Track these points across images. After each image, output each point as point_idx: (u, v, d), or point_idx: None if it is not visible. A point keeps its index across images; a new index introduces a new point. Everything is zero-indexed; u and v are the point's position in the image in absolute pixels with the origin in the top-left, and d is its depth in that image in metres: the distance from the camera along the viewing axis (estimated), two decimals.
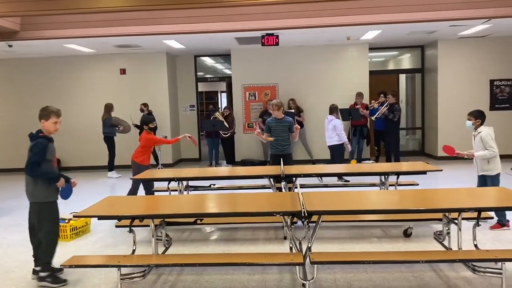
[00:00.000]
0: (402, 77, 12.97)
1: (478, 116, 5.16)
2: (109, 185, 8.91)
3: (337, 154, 8.05)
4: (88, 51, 10.23)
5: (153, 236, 4.04)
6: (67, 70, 11.02)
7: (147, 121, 6.39)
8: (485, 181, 5.15)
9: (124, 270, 3.61)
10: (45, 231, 4.04)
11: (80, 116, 11.01)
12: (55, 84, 11.06)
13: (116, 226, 4.73)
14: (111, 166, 9.83)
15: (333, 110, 8.25)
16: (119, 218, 4.28)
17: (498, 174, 5.08)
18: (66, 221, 5.37)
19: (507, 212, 5.13)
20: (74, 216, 4.00)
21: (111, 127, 9.61)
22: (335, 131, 8.03)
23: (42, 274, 4.03)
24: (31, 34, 8.05)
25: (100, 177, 9.88)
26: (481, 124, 5.16)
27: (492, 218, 4.66)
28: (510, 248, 4.44)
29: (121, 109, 10.17)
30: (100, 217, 3.74)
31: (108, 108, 9.84)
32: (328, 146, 8.22)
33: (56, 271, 4.11)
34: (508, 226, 5.14)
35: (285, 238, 5.07)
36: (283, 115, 6.10)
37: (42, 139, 4.04)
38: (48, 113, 4.10)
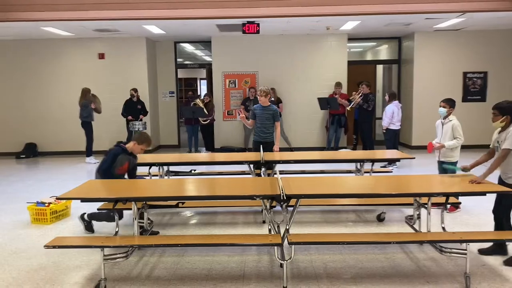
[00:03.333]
0: (380, 68, 13.23)
1: (452, 105, 5.38)
2: (87, 170, 8.88)
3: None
4: (66, 35, 10.08)
5: (135, 218, 4.12)
6: (44, 53, 10.82)
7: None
8: (444, 167, 5.40)
9: (107, 252, 3.69)
10: None
11: (58, 101, 10.88)
12: (32, 67, 10.86)
13: (98, 210, 4.79)
14: (89, 152, 9.78)
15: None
16: (103, 200, 4.34)
17: (456, 162, 5.34)
18: (46, 204, 5.39)
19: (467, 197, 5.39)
20: (57, 198, 4.04)
21: (86, 109, 9.54)
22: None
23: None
24: (6, 15, 7.88)
25: (78, 162, 9.83)
26: (451, 112, 5.38)
27: (460, 203, 4.92)
28: (475, 230, 4.71)
29: (99, 94, 10.07)
30: (83, 200, 3.80)
31: (85, 92, 9.75)
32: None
33: None
34: (460, 208, 5.46)
35: (263, 222, 5.23)
36: (269, 103, 6.19)
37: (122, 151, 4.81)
38: (144, 141, 4.88)
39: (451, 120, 5.33)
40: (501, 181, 4.06)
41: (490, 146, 4.24)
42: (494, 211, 4.17)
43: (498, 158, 3.92)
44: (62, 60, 10.89)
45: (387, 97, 8.48)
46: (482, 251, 4.13)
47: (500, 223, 4.10)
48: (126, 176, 4.88)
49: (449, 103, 5.38)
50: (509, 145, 3.85)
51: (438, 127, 5.52)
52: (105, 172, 4.65)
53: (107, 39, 10.75)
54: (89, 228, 4.99)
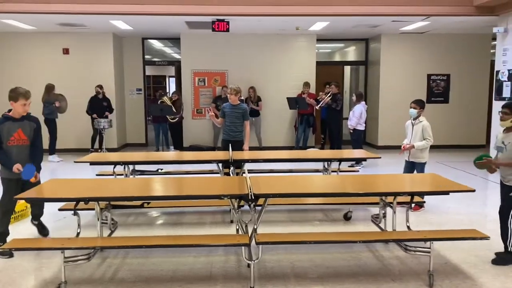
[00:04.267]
0: (347, 69, 13.42)
1: (422, 106, 5.49)
2: (50, 169, 8.57)
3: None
4: (29, 28, 9.70)
5: (98, 219, 4.00)
6: (5, 47, 10.38)
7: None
8: (413, 167, 5.51)
9: (68, 254, 3.56)
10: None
11: None
12: None
13: (59, 210, 4.61)
14: (52, 150, 9.44)
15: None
16: (64, 200, 4.18)
17: (425, 163, 5.47)
18: None
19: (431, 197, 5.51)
20: (15, 198, 3.86)
21: (48, 107, 9.22)
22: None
23: None
24: None
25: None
26: (421, 113, 5.49)
27: (424, 202, 5.03)
28: (438, 229, 4.82)
29: (63, 90, 9.74)
30: (43, 200, 3.64)
31: (49, 89, 9.43)
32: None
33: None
34: (424, 207, 5.59)
35: (231, 222, 5.18)
36: (239, 102, 6.15)
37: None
38: (16, 95, 4.18)
39: (421, 121, 5.44)
40: (501, 183, 4.02)
41: (494, 147, 4.16)
42: (499, 215, 4.07)
43: None
44: (24, 55, 10.47)
45: (354, 98, 8.60)
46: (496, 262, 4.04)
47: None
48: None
49: (420, 104, 5.49)
50: None
51: (408, 128, 5.61)
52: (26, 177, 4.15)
53: (72, 34, 10.42)
54: (42, 230, 4.74)
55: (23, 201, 5.22)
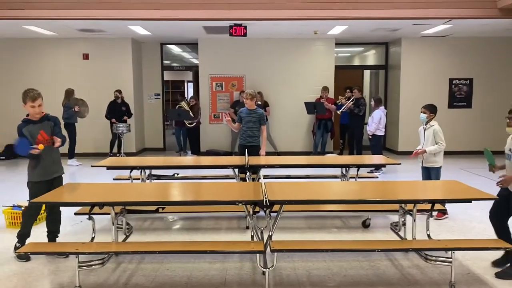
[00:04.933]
0: (367, 73, 13.26)
1: (432, 110, 5.39)
2: (69, 173, 8.67)
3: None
4: (50, 34, 9.87)
5: (113, 224, 3.98)
6: (27, 52, 10.59)
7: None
8: (428, 172, 5.38)
9: (82, 258, 3.55)
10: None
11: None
12: (13, 67, 10.61)
13: (75, 214, 4.63)
14: (71, 154, 9.56)
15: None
16: (79, 204, 4.19)
17: (440, 167, 5.33)
18: (23, 208, 5.20)
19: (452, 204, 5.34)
20: (32, 202, 3.88)
21: (68, 111, 9.34)
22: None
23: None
24: None
25: None
26: (433, 118, 5.38)
27: (445, 209, 4.88)
28: (460, 238, 4.67)
29: (83, 95, 9.87)
30: (59, 204, 3.65)
31: (69, 93, 9.56)
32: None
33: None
34: (447, 215, 5.42)
35: (247, 228, 5.12)
36: (256, 106, 6.11)
37: (20, 123, 4.32)
38: (24, 98, 4.32)
39: (432, 126, 5.34)
40: (506, 190, 3.86)
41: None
42: (491, 218, 3.99)
43: None
44: (45, 60, 10.67)
45: (373, 103, 8.46)
46: (496, 263, 3.97)
47: (500, 234, 3.92)
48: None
49: (429, 109, 5.39)
50: None
51: (421, 133, 5.52)
52: (27, 155, 4.15)
53: (92, 40, 10.57)
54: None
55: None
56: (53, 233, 4.52)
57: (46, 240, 4.51)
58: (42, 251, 3.53)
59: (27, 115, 4.35)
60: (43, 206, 4.70)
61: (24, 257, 4.15)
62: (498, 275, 3.83)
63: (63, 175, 4.50)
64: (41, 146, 4.12)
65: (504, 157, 3.90)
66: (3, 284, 3.73)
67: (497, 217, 3.94)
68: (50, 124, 4.36)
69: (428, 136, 5.34)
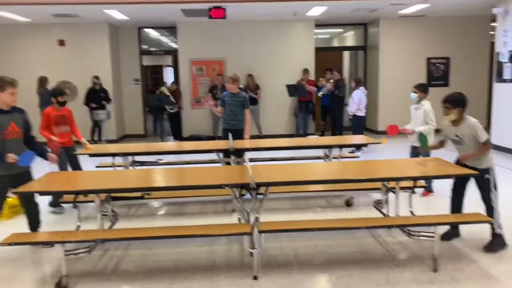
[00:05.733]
0: (346, 54, 13.30)
1: (423, 90, 5.41)
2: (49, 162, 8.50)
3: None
4: (23, 20, 9.56)
5: (98, 212, 3.95)
6: (0, 40, 10.25)
7: (56, 93, 5.27)
8: (417, 152, 5.45)
9: (68, 247, 3.52)
10: None
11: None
12: None
13: (60, 203, 4.58)
14: None
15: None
16: (63, 193, 4.14)
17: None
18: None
19: (437, 181, 5.48)
20: (13, 193, 3.81)
21: (44, 97, 9.06)
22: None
23: None
24: None
25: None
26: (425, 97, 5.40)
27: (426, 186, 4.99)
28: (442, 214, 4.79)
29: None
30: (42, 193, 3.60)
31: (42, 81, 9.30)
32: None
33: None
34: (433, 192, 5.53)
35: (233, 211, 5.15)
36: (238, 90, 6.08)
37: None
38: (2, 84, 3.89)
39: (423, 106, 5.36)
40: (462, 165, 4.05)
41: (443, 138, 4.23)
42: (452, 196, 4.20)
43: (483, 148, 3.89)
44: (19, 47, 10.36)
45: (353, 84, 8.51)
46: (443, 237, 4.16)
47: (457, 207, 4.17)
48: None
49: (420, 89, 5.41)
50: (485, 134, 3.86)
51: (412, 112, 5.55)
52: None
53: (67, 25, 10.29)
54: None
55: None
56: (34, 223, 4.38)
57: (20, 230, 4.45)
58: (27, 241, 3.48)
59: None
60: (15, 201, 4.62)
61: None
62: (486, 248, 3.93)
63: (31, 170, 4.19)
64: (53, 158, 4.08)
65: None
66: None
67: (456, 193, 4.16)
68: (22, 117, 4.09)
69: (418, 116, 5.36)
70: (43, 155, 4.16)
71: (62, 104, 5.33)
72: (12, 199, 5.13)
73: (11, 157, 3.82)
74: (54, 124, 5.24)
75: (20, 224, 4.89)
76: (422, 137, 4.30)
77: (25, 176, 4.07)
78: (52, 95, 5.32)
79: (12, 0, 7.53)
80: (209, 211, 5.30)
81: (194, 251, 4.07)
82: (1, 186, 3.96)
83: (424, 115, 5.29)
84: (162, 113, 10.40)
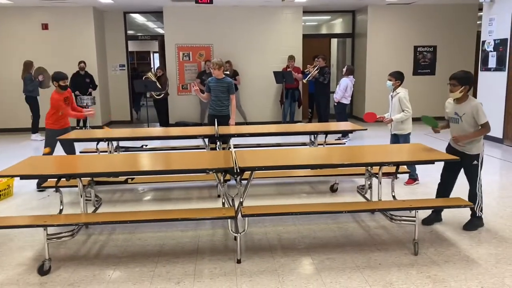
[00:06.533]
0: (334, 42, 13.29)
1: (398, 77, 5.39)
2: (32, 148, 8.42)
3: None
4: (5, 3, 9.35)
5: (81, 196, 3.92)
6: None
7: (58, 77, 5.47)
8: (397, 139, 5.50)
9: (51, 231, 3.50)
10: None
11: None
12: None
13: (41, 187, 4.53)
14: (34, 128, 9.26)
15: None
16: (44, 177, 4.10)
17: (409, 134, 5.45)
18: None
19: (418, 168, 5.56)
20: None
21: (32, 83, 8.98)
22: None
23: None
24: None
25: (23, 140, 9.31)
26: (400, 85, 5.41)
27: (409, 172, 5.05)
28: (423, 198, 4.86)
29: (43, 66, 9.49)
30: (23, 177, 3.55)
31: (27, 66, 9.17)
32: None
33: None
34: (418, 180, 5.60)
35: (218, 196, 5.16)
36: (224, 76, 6.04)
37: None
38: None
39: (398, 93, 5.36)
40: (452, 150, 4.14)
41: (446, 117, 4.28)
42: (441, 182, 4.28)
43: (481, 131, 3.94)
44: (1, 31, 10.14)
45: (344, 70, 8.51)
46: (424, 222, 4.25)
47: (444, 193, 4.26)
48: None
49: (395, 76, 5.39)
50: (485, 117, 3.91)
51: (389, 101, 5.57)
52: None
53: (51, 9, 10.09)
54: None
55: (5, 179, 5.14)
56: None
57: (10, 214, 4.42)
58: (9, 225, 3.44)
59: None
60: None
61: None
62: (465, 227, 4.10)
63: None
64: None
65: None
66: None
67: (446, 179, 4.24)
68: None
69: (394, 103, 5.37)
70: None
71: (64, 88, 5.54)
72: None
73: None
74: (62, 108, 5.50)
75: (3, 210, 4.86)
76: (425, 119, 4.26)
77: None
78: (53, 79, 5.51)
79: None
80: (194, 197, 5.30)
81: (178, 236, 4.08)
82: None
83: (400, 102, 5.31)
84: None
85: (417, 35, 11.01)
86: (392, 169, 4.18)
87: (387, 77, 5.43)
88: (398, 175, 4.25)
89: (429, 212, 4.31)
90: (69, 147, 5.53)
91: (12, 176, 3.87)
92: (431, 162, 3.86)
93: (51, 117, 5.55)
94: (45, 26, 10.25)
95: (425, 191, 5.29)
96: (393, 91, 5.43)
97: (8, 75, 10.08)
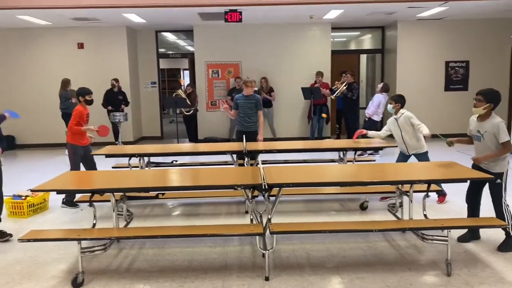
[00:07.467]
0: (363, 57, 13.23)
1: (398, 100, 5.39)
2: (67, 163, 8.67)
3: None
4: (44, 24, 9.80)
5: (114, 210, 4.02)
6: (21, 43, 10.51)
7: (84, 92, 5.52)
8: (406, 159, 5.40)
9: (84, 244, 3.60)
10: None
11: (36, 92, 10.61)
12: (9, 58, 10.54)
13: (76, 202, 4.67)
14: None
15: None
16: (79, 192, 4.23)
17: (427, 152, 5.33)
18: (23, 197, 5.25)
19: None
20: (31, 191, 3.91)
21: (66, 101, 9.32)
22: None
23: None
24: None
25: (58, 155, 9.62)
26: (401, 107, 5.37)
27: (440, 190, 4.93)
28: (455, 217, 4.73)
29: (79, 84, 9.64)
30: (59, 191, 3.69)
31: (65, 84, 9.52)
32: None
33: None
34: (446, 194, 5.47)
35: (246, 212, 5.17)
36: (252, 92, 6.13)
37: None
38: None
39: (403, 113, 5.32)
40: (477, 167, 4.06)
41: (468, 134, 4.22)
42: (467, 200, 4.19)
43: (501, 151, 3.86)
44: (40, 50, 10.60)
45: (380, 86, 8.45)
46: (460, 239, 4.15)
47: (474, 211, 4.16)
48: None
49: (395, 99, 5.42)
50: (506, 136, 3.83)
51: (393, 124, 5.43)
52: None
53: (86, 28, 10.50)
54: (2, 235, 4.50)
55: (42, 193, 5.32)
56: None
57: (46, 227, 4.56)
58: (45, 238, 3.56)
59: None
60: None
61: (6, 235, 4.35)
62: (500, 248, 3.96)
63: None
64: None
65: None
66: (7, 271, 3.78)
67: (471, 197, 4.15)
68: None
69: (402, 124, 5.29)
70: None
71: (90, 103, 5.65)
72: (31, 198, 5.27)
73: None
74: (83, 122, 5.57)
75: (40, 223, 5.02)
76: (441, 137, 4.29)
77: None
78: (79, 94, 5.60)
79: (34, 4, 7.71)
80: (222, 212, 5.34)
81: (207, 251, 4.11)
82: None
83: (410, 121, 5.21)
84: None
85: (448, 50, 10.83)
86: (423, 186, 4.10)
87: (388, 101, 5.46)
88: (429, 193, 4.16)
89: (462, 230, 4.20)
90: (90, 164, 5.62)
91: (49, 191, 4.01)
92: (464, 180, 3.77)
93: (76, 134, 5.51)
94: (80, 45, 10.66)
95: (457, 209, 5.15)
96: (395, 114, 5.38)
97: (45, 91, 10.49)
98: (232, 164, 5.77)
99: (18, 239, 3.48)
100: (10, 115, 5.02)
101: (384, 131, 5.58)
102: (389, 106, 5.44)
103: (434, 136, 4.94)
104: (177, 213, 5.40)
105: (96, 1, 7.72)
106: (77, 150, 5.51)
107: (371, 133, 5.72)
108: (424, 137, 5.13)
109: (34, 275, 3.70)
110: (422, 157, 5.31)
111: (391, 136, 5.57)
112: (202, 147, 6.63)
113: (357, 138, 5.70)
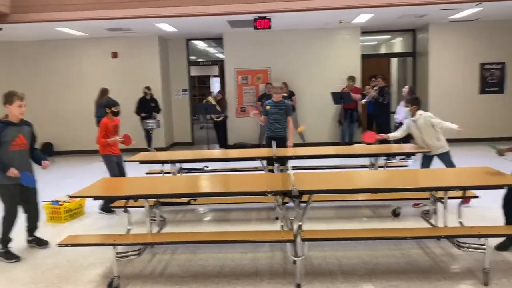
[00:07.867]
0: (394, 61, 13.03)
1: (414, 103, 5.34)
2: (102, 169, 8.92)
3: None
4: (80, 35, 10.16)
5: (147, 216, 4.12)
6: (59, 53, 10.93)
7: (111, 104, 5.68)
8: (430, 162, 5.32)
9: (119, 249, 3.70)
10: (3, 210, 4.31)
11: (72, 100, 10.98)
12: (46, 68, 10.98)
13: (111, 207, 4.80)
14: None
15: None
16: (115, 198, 4.35)
17: (449, 151, 5.24)
18: (60, 203, 5.44)
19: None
20: (70, 197, 4.06)
21: (101, 108, 9.58)
22: None
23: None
24: (21, 17, 7.98)
25: (94, 161, 9.91)
26: (417, 109, 5.32)
27: (477, 197, 4.80)
28: (492, 224, 4.58)
29: (113, 92, 10.05)
30: (96, 198, 3.81)
31: (103, 92, 9.79)
32: None
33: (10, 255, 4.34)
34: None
35: (276, 218, 5.18)
36: (282, 99, 6.17)
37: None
38: (11, 98, 4.26)
39: (421, 115, 5.28)
40: None
41: None
42: (504, 207, 4.06)
43: None
44: (76, 60, 10.99)
45: (405, 90, 8.31)
46: (497, 248, 4.02)
47: (511, 218, 4.03)
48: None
49: (410, 102, 5.39)
50: None
51: (412, 126, 5.39)
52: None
53: (120, 38, 10.81)
54: (40, 242, 4.63)
55: (78, 199, 5.49)
56: (32, 230, 4.62)
57: (82, 232, 4.71)
58: (82, 243, 3.69)
59: (6, 116, 4.30)
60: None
61: (13, 257, 4.30)
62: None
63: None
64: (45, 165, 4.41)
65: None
66: (46, 275, 3.92)
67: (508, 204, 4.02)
68: (29, 130, 4.43)
69: (422, 125, 5.24)
70: (40, 162, 4.50)
71: (116, 114, 5.69)
72: (68, 203, 5.45)
73: (12, 172, 4.12)
74: (110, 133, 5.63)
75: (76, 227, 5.19)
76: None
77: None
78: (105, 106, 5.71)
79: (71, 17, 8.02)
80: (253, 218, 5.36)
81: (238, 257, 4.14)
82: (12, 194, 4.28)
83: (430, 121, 5.15)
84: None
85: (483, 52, 10.52)
86: (458, 193, 4.01)
87: (404, 104, 5.42)
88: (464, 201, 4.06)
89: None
90: (121, 173, 5.73)
91: (86, 197, 4.15)
92: (500, 187, 3.66)
93: (106, 146, 5.61)
94: (114, 55, 10.98)
95: (494, 216, 4.97)
96: (412, 116, 5.35)
97: (81, 100, 10.85)
98: (262, 170, 5.79)
99: (57, 244, 3.61)
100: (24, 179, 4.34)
101: (401, 132, 5.61)
102: (406, 110, 5.38)
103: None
104: (208, 219, 5.46)
105: (130, 12, 7.94)
106: (111, 159, 5.65)
107: (391, 135, 5.73)
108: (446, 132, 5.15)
109: (72, 279, 3.82)
110: (445, 157, 5.22)
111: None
112: (232, 153, 6.70)
113: (370, 143, 5.65)
